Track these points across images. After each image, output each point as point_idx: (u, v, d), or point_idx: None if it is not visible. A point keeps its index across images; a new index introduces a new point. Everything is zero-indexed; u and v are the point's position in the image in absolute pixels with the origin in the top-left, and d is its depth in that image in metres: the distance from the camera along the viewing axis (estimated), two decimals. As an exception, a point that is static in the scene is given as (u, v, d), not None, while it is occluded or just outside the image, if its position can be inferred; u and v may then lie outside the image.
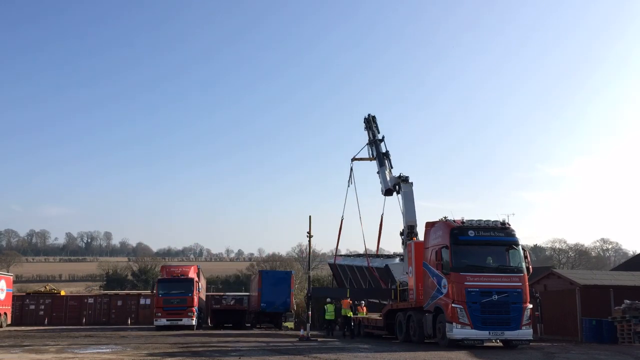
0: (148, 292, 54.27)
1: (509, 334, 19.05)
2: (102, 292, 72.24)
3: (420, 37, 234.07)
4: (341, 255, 44.75)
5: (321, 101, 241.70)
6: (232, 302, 44.22)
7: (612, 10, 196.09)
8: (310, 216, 27.12)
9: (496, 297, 19.02)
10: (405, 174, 26.07)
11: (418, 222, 25.05)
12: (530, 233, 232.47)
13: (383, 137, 29.28)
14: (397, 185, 26.36)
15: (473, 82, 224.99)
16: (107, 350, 18.26)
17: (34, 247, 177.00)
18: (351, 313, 29.02)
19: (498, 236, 20.12)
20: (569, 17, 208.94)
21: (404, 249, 25.35)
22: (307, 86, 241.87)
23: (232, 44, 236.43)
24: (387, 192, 27.43)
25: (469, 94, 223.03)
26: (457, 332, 18.84)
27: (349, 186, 30.40)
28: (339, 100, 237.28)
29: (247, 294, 50.12)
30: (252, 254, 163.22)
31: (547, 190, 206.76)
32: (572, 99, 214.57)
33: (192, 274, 35.52)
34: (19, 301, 44.50)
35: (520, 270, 19.76)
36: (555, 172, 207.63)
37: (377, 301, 30.36)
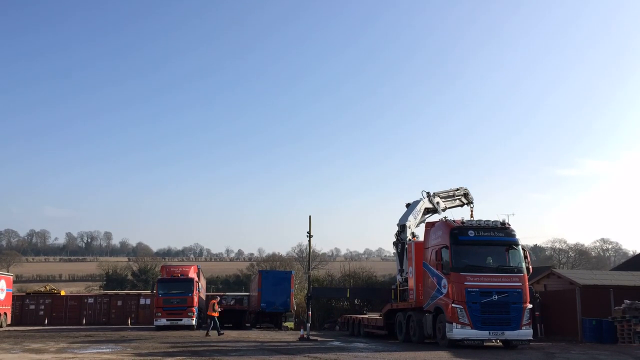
0: (148, 292, 54.41)
1: (509, 334, 19.05)
2: (102, 292, 72.17)
3: (438, 50, 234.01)
4: None
5: (328, 114, 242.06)
6: (232, 302, 44.26)
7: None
8: (310, 216, 27.20)
9: (496, 297, 19.02)
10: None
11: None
12: (530, 233, 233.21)
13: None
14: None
15: (486, 84, 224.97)
16: (107, 350, 18.26)
17: (34, 247, 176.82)
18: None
19: (498, 236, 20.13)
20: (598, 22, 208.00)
21: (395, 249, 25.55)
22: (313, 100, 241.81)
23: (248, 49, 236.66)
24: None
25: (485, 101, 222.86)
26: (457, 332, 18.84)
27: None
28: (348, 113, 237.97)
29: (247, 294, 50.11)
30: (252, 254, 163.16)
31: (549, 191, 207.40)
32: (578, 104, 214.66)
33: (192, 274, 35.49)
34: (19, 301, 44.43)
35: (520, 270, 19.76)
36: (558, 174, 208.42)
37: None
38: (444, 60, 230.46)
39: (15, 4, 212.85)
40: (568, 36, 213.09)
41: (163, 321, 33.28)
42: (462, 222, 20.54)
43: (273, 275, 40.75)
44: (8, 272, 56.69)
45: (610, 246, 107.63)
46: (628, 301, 22.59)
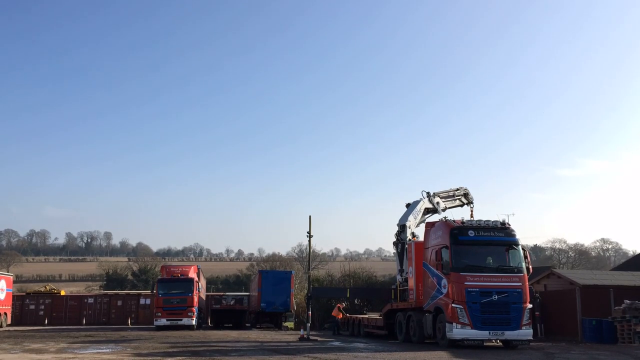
0: (148, 292, 54.35)
1: (509, 334, 19.05)
2: (102, 292, 72.16)
3: (440, 50, 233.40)
4: None
5: (328, 114, 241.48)
6: (232, 302, 44.28)
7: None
8: (310, 216, 27.20)
9: (496, 297, 19.02)
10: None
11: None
12: (530, 233, 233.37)
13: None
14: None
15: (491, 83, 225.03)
16: (107, 350, 18.27)
17: (34, 247, 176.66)
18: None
19: (498, 236, 20.14)
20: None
21: (395, 249, 25.57)
22: (313, 99, 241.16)
23: (248, 49, 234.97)
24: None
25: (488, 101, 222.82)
26: (457, 332, 18.84)
27: None
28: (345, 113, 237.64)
29: (247, 294, 50.10)
30: (252, 254, 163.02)
31: (549, 191, 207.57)
32: (579, 104, 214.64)
33: (192, 274, 35.52)
34: (19, 301, 44.47)
35: (520, 270, 19.77)
36: (558, 174, 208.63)
37: None
38: (446, 60, 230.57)
39: (15, 6, 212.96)
40: (571, 38, 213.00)
41: (163, 321, 33.31)
42: (462, 222, 20.54)
43: (273, 275, 40.75)
44: (8, 272, 56.71)
45: (610, 246, 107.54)
46: (628, 301, 22.59)
